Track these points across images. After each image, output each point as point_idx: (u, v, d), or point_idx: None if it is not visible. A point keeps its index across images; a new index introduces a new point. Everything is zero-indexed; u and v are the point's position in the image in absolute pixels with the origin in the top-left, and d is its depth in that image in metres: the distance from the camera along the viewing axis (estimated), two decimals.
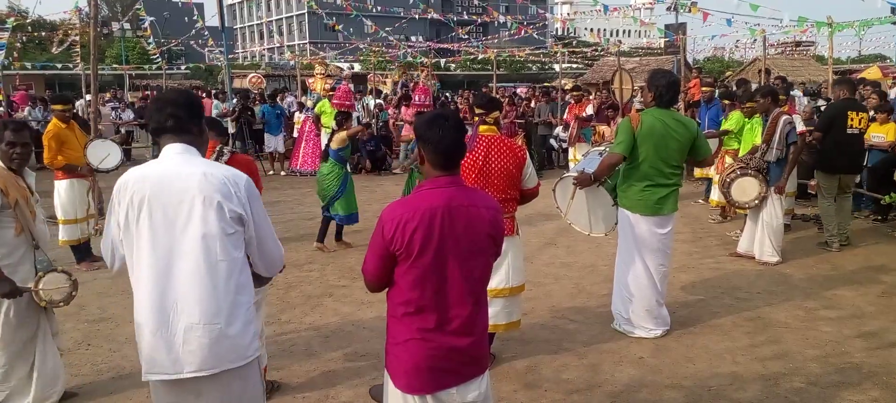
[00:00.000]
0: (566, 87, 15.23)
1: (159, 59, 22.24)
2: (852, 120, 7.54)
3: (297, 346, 5.02)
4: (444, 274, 2.46)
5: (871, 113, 9.08)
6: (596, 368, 4.62)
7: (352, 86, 17.06)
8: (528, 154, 4.57)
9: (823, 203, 7.74)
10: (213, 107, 17.04)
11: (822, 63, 24.17)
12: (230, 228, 2.44)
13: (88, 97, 10.37)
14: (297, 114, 15.27)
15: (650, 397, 4.18)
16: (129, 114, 17.74)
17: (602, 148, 6.21)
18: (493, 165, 4.34)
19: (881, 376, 4.38)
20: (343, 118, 8.21)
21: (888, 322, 5.35)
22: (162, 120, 2.50)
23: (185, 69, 35.41)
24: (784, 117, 7.03)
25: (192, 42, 27.47)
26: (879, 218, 8.89)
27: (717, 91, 11.05)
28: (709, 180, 9.92)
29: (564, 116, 13.15)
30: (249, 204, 2.49)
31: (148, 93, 22.27)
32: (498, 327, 4.60)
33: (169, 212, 2.40)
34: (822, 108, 10.71)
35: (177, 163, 2.46)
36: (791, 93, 12.81)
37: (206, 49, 28.67)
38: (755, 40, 18.71)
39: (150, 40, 23.17)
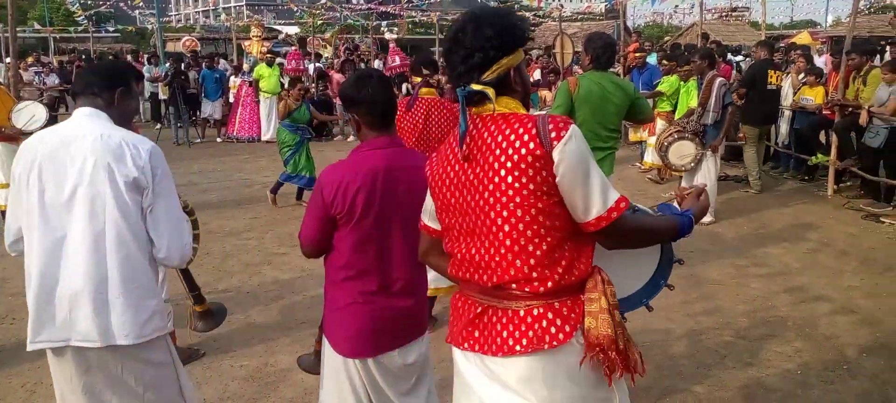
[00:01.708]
0: None
1: (85, 22, 21.18)
2: (772, 77, 8.44)
3: (235, 315, 4.93)
4: (386, 236, 2.43)
5: (802, 76, 9.41)
6: None
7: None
8: None
9: (749, 151, 8.65)
10: (145, 72, 16.44)
11: (757, 28, 24.84)
12: (123, 194, 2.30)
13: (8, 60, 9.84)
14: (233, 78, 14.86)
15: None
16: (53, 79, 16.92)
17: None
18: (433, 128, 4.32)
19: (805, 328, 4.59)
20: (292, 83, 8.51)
21: (813, 277, 5.59)
22: (77, 84, 2.50)
23: (115, 32, 33.91)
24: (719, 80, 7.20)
25: (121, 4, 26.28)
26: (806, 178, 9.25)
27: (652, 55, 11.23)
28: (643, 143, 10.14)
29: None
30: (152, 171, 2.34)
31: (74, 56, 21.26)
32: (439, 290, 4.62)
33: (60, 174, 2.29)
34: (742, 64, 11.23)
35: (77, 123, 2.38)
36: (728, 57, 13.14)
37: (137, 11, 27.51)
38: (693, 6, 19.06)
39: (75, 1, 22.03)
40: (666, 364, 4.12)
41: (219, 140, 14.07)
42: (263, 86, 13.39)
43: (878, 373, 3.98)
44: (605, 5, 25.76)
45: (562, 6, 18.87)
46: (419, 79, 4.51)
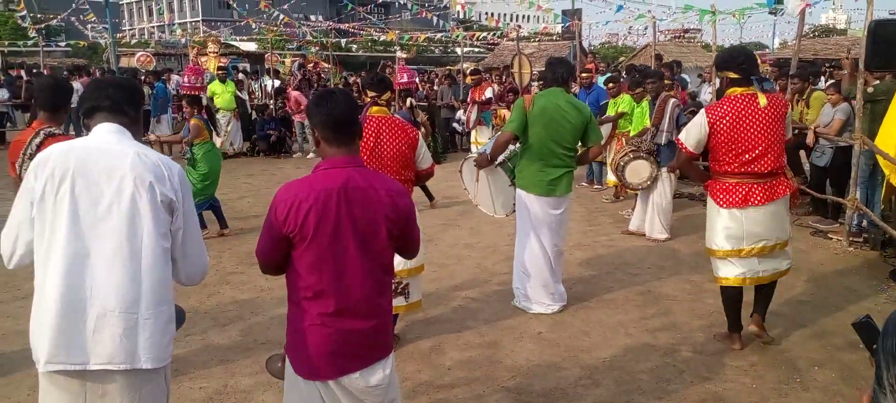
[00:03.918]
0: (467, 71, 15.38)
1: (36, 36, 20.57)
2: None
3: (193, 336, 4.83)
4: (342, 257, 2.39)
5: None
6: (497, 345, 4.71)
7: (247, 64, 16.53)
8: (420, 134, 4.55)
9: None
10: None
11: (708, 50, 25.52)
12: (160, 213, 2.29)
13: None
14: None
15: (549, 371, 4.31)
16: (3, 93, 16.38)
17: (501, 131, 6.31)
18: (385, 147, 4.29)
19: (758, 343, 4.69)
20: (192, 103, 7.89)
21: None
22: (99, 99, 2.39)
23: (66, 46, 33.04)
24: (672, 100, 7.38)
25: (72, 18, 25.62)
26: None
27: (599, 77, 11.41)
28: (590, 163, 10.31)
29: (468, 99, 13.27)
30: (182, 192, 2.37)
31: (23, 70, 20.64)
32: (399, 309, 4.61)
33: (94, 189, 2.23)
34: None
35: (108, 140, 2.32)
36: (682, 76, 13.46)
37: (89, 25, 26.85)
38: (647, 27, 19.52)
39: (25, 15, 21.37)
40: (625, 380, 4.18)
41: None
42: (218, 103, 13.22)
43: (828, 385, 4.10)
44: (562, 26, 26.20)
45: (519, 27, 19.12)
46: (369, 98, 4.48)
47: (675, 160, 4.60)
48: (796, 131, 8.32)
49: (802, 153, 8.57)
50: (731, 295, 4.58)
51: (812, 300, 5.55)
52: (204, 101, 7.93)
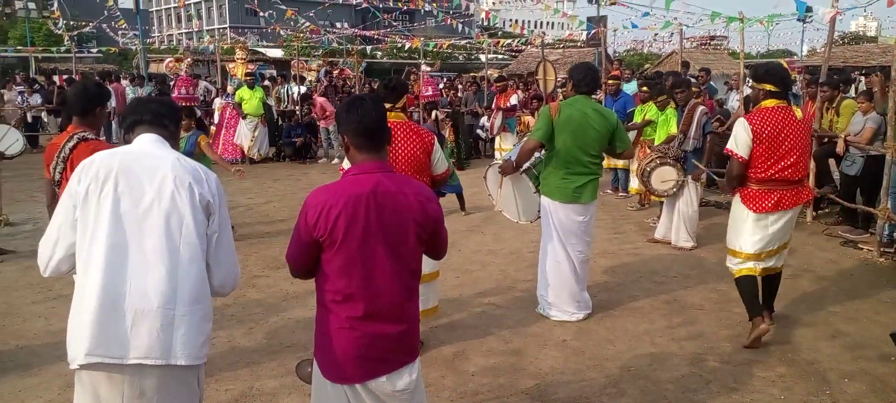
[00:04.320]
0: (491, 77, 15.40)
1: (69, 42, 20.94)
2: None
3: (219, 338, 4.89)
4: (371, 261, 2.41)
5: None
6: (521, 352, 4.70)
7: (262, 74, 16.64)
8: (435, 139, 4.56)
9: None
10: (129, 92, 16.36)
11: (735, 57, 25.28)
12: (198, 214, 2.38)
13: None
14: (217, 100, 14.82)
15: (573, 379, 4.29)
16: (36, 99, 16.73)
17: (526, 137, 6.30)
18: (399, 152, 4.31)
19: (787, 353, 4.64)
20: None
21: (794, 303, 5.66)
22: (141, 113, 2.59)
23: (97, 53, 33.63)
24: (700, 108, 7.32)
25: (104, 24, 26.07)
26: None
27: (625, 84, 11.33)
28: (615, 170, 10.27)
29: (493, 106, 13.29)
30: (219, 198, 2.48)
31: (55, 77, 21.05)
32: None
33: (136, 188, 2.34)
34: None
35: (149, 147, 2.49)
36: (710, 84, 13.33)
37: (120, 32, 27.32)
38: (672, 34, 19.33)
39: (59, 23, 21.77)
40: (651, 390, 4.15)
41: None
42: (246, 109, 13.40)
43: (859, 398, 4.03)
44: (586, 33, 26.10)
45: (544, 34, 19.10)
46: (389, 105, 4.51)
47: (728, 172, 4.75)
48: (826, 140, 8.23)
49: (832, 161, 8.44)
50: (747, 285, 4.79)
51: (842, 311, 5.46)
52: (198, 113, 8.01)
